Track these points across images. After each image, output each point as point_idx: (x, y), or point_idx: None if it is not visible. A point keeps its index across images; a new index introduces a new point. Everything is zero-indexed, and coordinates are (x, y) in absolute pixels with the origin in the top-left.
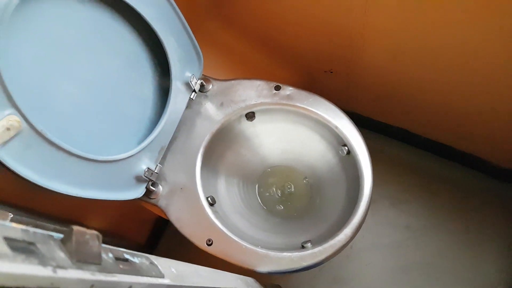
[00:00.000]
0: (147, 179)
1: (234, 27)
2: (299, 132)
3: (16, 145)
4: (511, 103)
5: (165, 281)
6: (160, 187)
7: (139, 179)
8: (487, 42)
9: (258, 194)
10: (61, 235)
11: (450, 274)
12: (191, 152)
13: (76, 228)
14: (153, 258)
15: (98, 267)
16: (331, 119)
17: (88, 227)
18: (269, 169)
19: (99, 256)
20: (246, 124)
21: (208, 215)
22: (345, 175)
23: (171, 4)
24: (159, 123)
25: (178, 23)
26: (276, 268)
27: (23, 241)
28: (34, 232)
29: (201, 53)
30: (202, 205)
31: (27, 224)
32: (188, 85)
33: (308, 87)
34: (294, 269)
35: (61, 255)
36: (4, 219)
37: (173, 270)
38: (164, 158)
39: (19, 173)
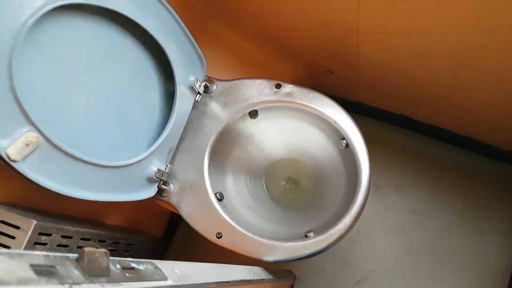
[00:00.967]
0: (158, 179)
1: (235, 26)
2: (300, 127)
3: (36, 159)
4: (508, 90)
5: (168, 282)
6: (171, 186)
7: (151, 180)
8: (479, 31)
9: (265, 187)
10: (76, 255)
11: (455, 254)
12: (199, 151)
13: (87, 249)
14: (157, 262)
15: (107, 278)
16: (329, 114)
17: (107, 225)
18: (274, 163)
19: (107, 269)
20: (250, 122)
21: (217, 210)
22: (345, 166)
23: (171, 13)
24: (166, 126)
25: (179, 31)
26: (281, 257)
27: (45, 265)
28: (54, 256)
29: (203, 57)
30: (211, 201)
31: (50, 228)
32: (192, 88)
33: (310, 81)
34: (298, 257)
35: (76, 272)
36: (29, 226)
37: (176, 271)
38: (173, 158)
39: (40, 183)
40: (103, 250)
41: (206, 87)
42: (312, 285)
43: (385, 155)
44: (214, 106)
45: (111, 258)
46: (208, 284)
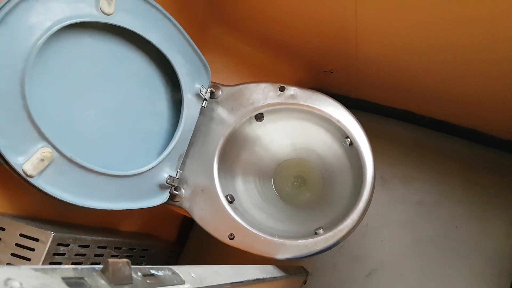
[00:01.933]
0: (169, 185)
1: (236, 32)
2: (305, 127)
3: (51, 173)
4: (504, 81)
5: (186, 286)
6: (183, 191)
7: (162, 186)
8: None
9: (274, 187)
10: (101, 266)
11: (463, 243)
12: (208, 155)
13: (111, 260)
14: (175, 268)
15: (131, 286)
16: (333, 114)
17: (122, 233)
18: (281, 163)
19: (130, 277)
20: (256, 125)
21: (228, 212)
22: (350, 164)
23: (174, 25)
24: (175, 133)
25: (183, 41)
26: (293, 255)
27: (75, 277)
28: (82, 268)
29: (207, 65)
30: (222, 204)
31: (68, 238)
32: (198, 95)
33: (312, 82)
34: (309, 254)
35: (102, 282)
36: (48, 237)
37: (192, 275)
38: (183, 163)
39: (56, 196)
40: (125, 260)
41: (212, 93)
42: (324, 279)
43: (390, 150)
44: (221, 111)
45: (132, 266)
46: (223, 285)
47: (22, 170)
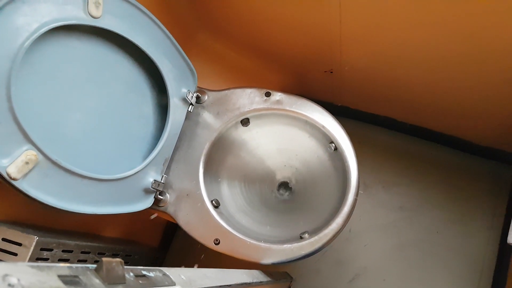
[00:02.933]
0: (155, 189)
1: (223, 38)
2: (291, 133)
3: (35, 176)
4: (485, 95)
5: (176, 287)
6: (168, 195)
7: (147, 191)
8: (455, 40)
9: (260, 192)
10: (95, 265)
11: (443, 247)
12: (193, 160)
13: (105, 259)
14: (165, 270)
15: (124, 285)
16: (318, 120)
17: (105, 238)
18: (267, 168)
19: (123, 277)
20: (242, 130)
21: (214, 217)
22: (335, 169)
23: (162, 29)
24: (161, 138)
25: (170, 46)
26: (278, 259)
27: (70, 275)
28: (76, 267)
29: (194, 70)
30: (207, 209)
31: (51, 243)
32: (185, 99)
33: (297, 88)
34: (295, 258)
35: (96, 281)
36: (31, 242)
37: (182, 277)
38: (168, 168)
39: (40, 200)
40: (118, 259)
41: (198, 98)
42: (308, 285)
43: (372, 156)
44: (207, 116)
45: (125, 267)
46: (212, 287)
47: (6, 172)
